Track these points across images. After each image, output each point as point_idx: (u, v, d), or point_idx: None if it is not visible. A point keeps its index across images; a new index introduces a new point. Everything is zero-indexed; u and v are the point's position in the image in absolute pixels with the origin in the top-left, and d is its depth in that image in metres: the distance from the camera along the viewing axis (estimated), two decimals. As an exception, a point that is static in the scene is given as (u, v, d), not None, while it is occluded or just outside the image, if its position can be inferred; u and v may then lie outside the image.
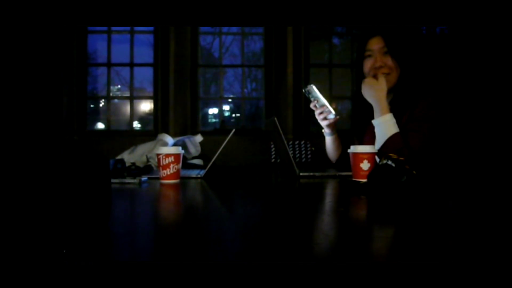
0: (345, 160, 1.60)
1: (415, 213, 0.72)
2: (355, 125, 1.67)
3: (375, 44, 1.48)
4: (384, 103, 1.41)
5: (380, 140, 1.41)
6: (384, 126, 1.39)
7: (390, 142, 1.37)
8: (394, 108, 1.46)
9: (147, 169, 1.68)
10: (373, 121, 1.43)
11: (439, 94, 1.45)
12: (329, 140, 1.70)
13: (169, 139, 1.91)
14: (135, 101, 3.87)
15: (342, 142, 1.71)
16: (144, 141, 2.09)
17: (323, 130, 1.66)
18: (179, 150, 1.26)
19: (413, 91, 1.47)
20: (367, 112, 1.51)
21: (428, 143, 1.38)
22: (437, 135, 1.41)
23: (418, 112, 1.42)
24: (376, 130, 1.43)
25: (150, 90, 3.81)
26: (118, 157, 1.95)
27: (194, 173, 1.45)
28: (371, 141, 1.50)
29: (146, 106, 4.03)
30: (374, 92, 1.43)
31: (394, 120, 1.39)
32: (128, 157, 1.92)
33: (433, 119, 1.40)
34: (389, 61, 1.46)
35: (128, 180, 1.20)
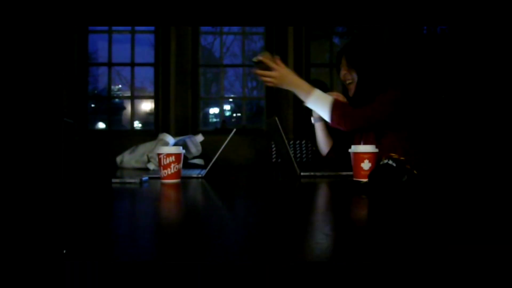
0: (337, 155, 1.65)
1: (416, 213, 0.72)
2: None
3: (343, 60, 1.67)
4: (304, 83, 1.49)
5: (323, 113, 1.48)
6: (320, 100, 1.46)
7: (336, 108, 1.45)
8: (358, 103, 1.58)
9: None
10: (307, 104, 1.47)
11: (407, 89, 1.52)
12: (317, 127, 1.76)
13: (170, 139, 1.90)
14: (136, 100, 3.87)
15: (332, 135, 1.76)
16: (145, 140, 2.09)
17: (311, 118, 1.72)
18: (180, 150, 1.25)
19: (372, 91, 1.57)
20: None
21: (382, 118, 1.45)
22: (431, 137, 1.45)
23: (381, 95, 1.50)
24: (314, 108, 1.50)
25: (151, 90, 3.81)
26: (119, 157, 1.94)
27: (195, 173, 1.45)
28: (357, 138, 1.61)
29: (147, 106, 4.03)
30: (287, 78, 1.48)
31: (321, 92, 1.48)
32: (129, 156, 1.91)
33: (394, 102, 1.46)
34: (352, 72, 1.62)
35: (128, 179, 1.20)
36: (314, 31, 3.79)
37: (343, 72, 1.67)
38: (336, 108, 1.47)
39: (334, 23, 3.52)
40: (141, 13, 2.07)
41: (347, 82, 1.66)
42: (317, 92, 1.48)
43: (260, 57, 1.48)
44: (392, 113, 1.45)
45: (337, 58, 1.72)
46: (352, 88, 1.64)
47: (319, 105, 1.49)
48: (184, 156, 1.60)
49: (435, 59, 3.25)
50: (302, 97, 1.49)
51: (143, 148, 1.92)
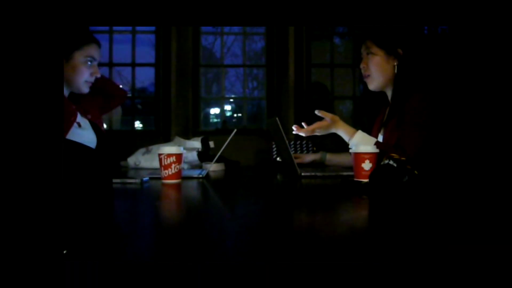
0: None
1: (417, 213, 0.72)
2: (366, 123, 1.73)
3: (363, 49, 1.59)
4: (346, 126, 1.49)
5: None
6: (362, 142, 1.43)
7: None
8: (393, 100, 1.53)
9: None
10: (350, 147, 1.46)
11: (432, 89, 1.48)
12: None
13: (185, 142, 1.90)
14: (136, 101, 3.87)
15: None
16: (145, 141, 2.08)
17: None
18: (180, 150, 1.26)
19: (409, 84, 1.51)
20: (373, 111, 1.59)
21: (424, 146, 1.40)
22: (432, 134, 1.42)
23: (408, 112, 1.43)
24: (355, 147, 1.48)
25: (151, 90, 3.81)
26: (131, 158, 1.93)
27: (195, 173, 1.45)
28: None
29: (147, 106, 4.03)
30: (334, 126, 1.50)
31: (364, 133, 1.47)
32: (143, 157, 1.91)
33: (425, 118, 1.41)
34: (371, 61, 1.55)
35: (129, 180, 1.20)
36: (315, 31, 3.78)
37: (363, 60, 1.58)
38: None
39: (334, 23, 3.52)
40: (142, 13, 2.07)
41: (364, 74, 1.59)
42: (359, 134, 1.47)
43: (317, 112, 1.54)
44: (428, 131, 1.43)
45: (362, 43, 1.62)
46: (370, 82, 1.58)
47: (363, 148, 1.47)
48: (206, 148, 1.67)
49: (436, 59, 3.25)
50: (346, 138, 1.49)
51: (158, 150, 1.91)
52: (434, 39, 3.47)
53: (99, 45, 1.65)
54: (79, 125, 1.59)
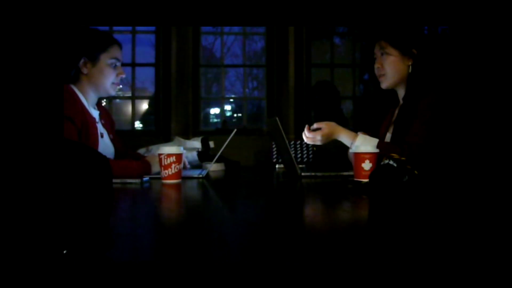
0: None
1: (417, 213, 0.72)
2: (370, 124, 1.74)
3: (377, 49, 1.58)
4: (346, 131, 1.49)
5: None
6: (364, 144, 1.42)
7: (381, 150, 1.39)
8: (405, 100, 1.52)
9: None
10: (352, 150, 1.44)
11: (445, 89, 1.48)
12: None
13: (185, 142, 1.90)
14: (136, 101, 3.87)
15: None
16: (145, 141, 2.08)
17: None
18: (180, 150, 1.26)
19: (423, 83, 1.50)
20: (382, 110, 1.60)
21: (428, 144, 1.40)
22: (438, 135, 1.42)
23: (419, 111, 1.43)
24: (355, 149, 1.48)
25: (151, 90, 3.81)
26: None
27: (195, 173, 1.45)
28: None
29: (147, 106, 4.03)
30: (334, 133, 1.49)
31: (366, 135, 1.47)
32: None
33: (433, 117, 1.41)
34: (385, 61, 1.54)
35: (129, 180, 1.20)
36: (314, 31, 3.78)
37: (377, 60, 1.57)
38: (381, 151, 1.43)
39: (334, 23, 3.52)
40: (142, 13, 2.07)
41: (379, 74, 1.58)
42: (360, 138, 1.46)
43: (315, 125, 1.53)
44: (432, 129, 1.41)
45: (371, 46, 1.61)
46: (385, 81, 1.56)
47: (364, 148, 1.47)
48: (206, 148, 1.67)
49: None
50: (348, 142, 1.48)
51: (157, 150, 1.91)
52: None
53: (121, 46, 1.66)
54: (102, 136, 1.59)
